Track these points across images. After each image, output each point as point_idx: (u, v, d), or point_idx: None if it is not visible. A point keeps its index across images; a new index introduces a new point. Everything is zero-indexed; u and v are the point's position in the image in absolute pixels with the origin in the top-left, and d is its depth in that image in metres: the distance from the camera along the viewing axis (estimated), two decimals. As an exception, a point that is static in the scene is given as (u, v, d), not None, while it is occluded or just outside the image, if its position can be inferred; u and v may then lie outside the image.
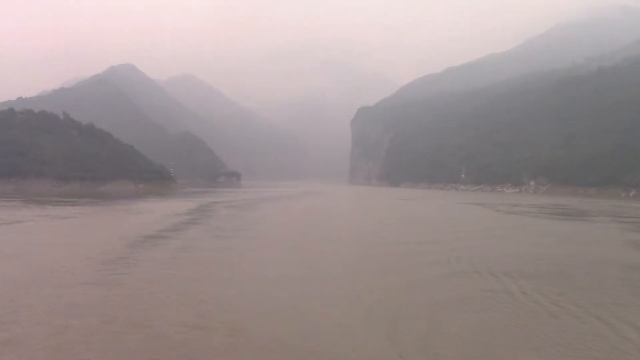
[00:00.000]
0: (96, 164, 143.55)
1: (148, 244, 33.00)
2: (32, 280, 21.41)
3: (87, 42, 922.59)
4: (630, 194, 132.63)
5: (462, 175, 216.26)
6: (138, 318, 16.14)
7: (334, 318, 16.81)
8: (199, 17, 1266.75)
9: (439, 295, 19.72)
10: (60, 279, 21.91)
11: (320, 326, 15.94)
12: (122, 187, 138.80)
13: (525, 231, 47.39)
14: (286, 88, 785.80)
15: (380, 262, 28.16)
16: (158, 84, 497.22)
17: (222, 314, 16.82)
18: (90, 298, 18.56)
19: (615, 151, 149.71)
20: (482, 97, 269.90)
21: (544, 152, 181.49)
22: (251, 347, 13.94)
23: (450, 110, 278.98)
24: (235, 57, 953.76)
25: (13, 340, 14.07)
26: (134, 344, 13.89)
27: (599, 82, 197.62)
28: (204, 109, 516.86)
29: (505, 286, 21.44)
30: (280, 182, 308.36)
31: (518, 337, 15.07)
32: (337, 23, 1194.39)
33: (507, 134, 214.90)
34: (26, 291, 19.42)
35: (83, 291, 19.66)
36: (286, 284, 21.92)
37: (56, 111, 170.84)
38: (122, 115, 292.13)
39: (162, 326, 15.39)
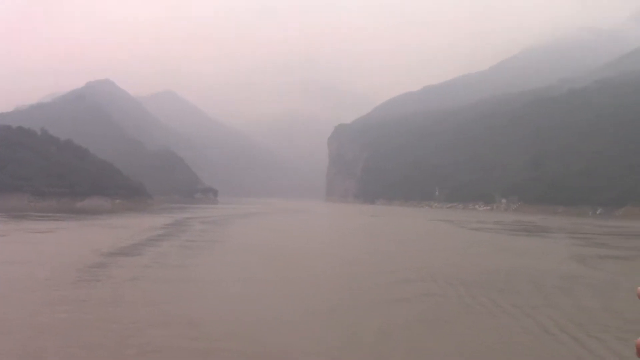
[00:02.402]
0: (74, 180, 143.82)
1: (122, 256, 35.08)
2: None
3: (66, 57, 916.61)
4: (597, 212, 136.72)
5: (436, 193, 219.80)
6: (111, 315, 18.42)
7: (281, 316, 19.27)
8: (179, 34, 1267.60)
9: (386, 296, 22.31)
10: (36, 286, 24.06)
11: (265, 320, 18.37)
12: (99, 203, 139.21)
13: (481, 246, 50.25)
14: (265, 105, 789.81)
15: (334, 272, 30.65)
16: (137, 100, 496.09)
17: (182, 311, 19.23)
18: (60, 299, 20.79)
19: (583, 171, 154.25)
20: (456, 117, 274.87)
21: (515, 172, 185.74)
22: (207, 338, 16.32)
23: (426, 129, 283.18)
24: (215, 74, 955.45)
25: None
26: (104, 334, 16.19)
27: (570, 104, 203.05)
28: (183, 126, 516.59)
29: (446, 291, 24.17)
30: (257, 199, 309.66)
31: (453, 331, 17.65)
32: (315, 41, 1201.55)
33: (480, 153, 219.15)
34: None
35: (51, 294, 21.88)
36: (241, 287, 24.38)
37: (33, 127, 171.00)
38: (100, 131, 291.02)
39: (126, 321, 17.70)
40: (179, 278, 27.29)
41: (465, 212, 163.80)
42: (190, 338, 16.37)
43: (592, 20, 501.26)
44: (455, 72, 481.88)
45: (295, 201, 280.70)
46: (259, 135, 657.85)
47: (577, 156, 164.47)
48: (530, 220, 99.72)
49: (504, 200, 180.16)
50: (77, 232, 58.24)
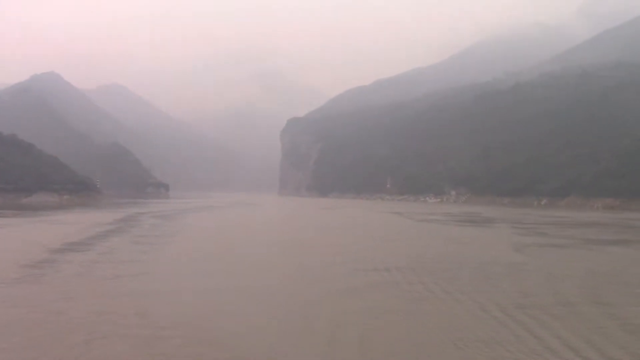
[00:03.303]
0: (18, 175, 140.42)
1: (70, 251, 34.99)
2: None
3: (8, 49, 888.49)
4: (542, 203, 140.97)
5: (388, 186, 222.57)
6: (61, 305, 18.69)
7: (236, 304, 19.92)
8: (130, 26, 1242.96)
9: (335, 287, 23.25)
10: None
11: (212, 310, 18.97)
12: (45, 198, 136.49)
13: (427, 237, 51.84)
14: (216, 99, 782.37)
15: (284, 262, 31.39)
16: (84, 93, 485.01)
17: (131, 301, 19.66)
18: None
19: (528, 162, 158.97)
20: (406, 110, 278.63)
21: (464, 163, 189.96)
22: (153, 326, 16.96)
23: (377, 122, 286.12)
24: (166, 67, 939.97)
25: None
26: (50, 326, 16.49)
27: (515, 96, 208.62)
28: (134, 120, 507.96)
29: (390, 279, 25.26)
30: (210, 193, 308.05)
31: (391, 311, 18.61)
32: (266, 34, 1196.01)
33: (430, 145, 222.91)
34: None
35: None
36: (189, 277, 24.96)
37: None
38: (46, 125, 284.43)
39: (74, 313, 18.04)
40: (128, 273, 27.51)
41: (416, 204, 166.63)
42: (137, 326, 16.90)
43: (541, 15, 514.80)
44: (406, 67, 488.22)
45: (249, 195, 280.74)
46: (212, 129, 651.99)
47: (523, 148, 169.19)
48: (477, 212, 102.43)
49: (453, 192, 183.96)
50: (23, 228, 57.29)
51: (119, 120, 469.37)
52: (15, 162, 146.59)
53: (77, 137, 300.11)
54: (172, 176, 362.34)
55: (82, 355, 14.52)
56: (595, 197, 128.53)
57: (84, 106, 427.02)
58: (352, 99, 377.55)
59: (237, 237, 51.51)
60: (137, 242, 41.84)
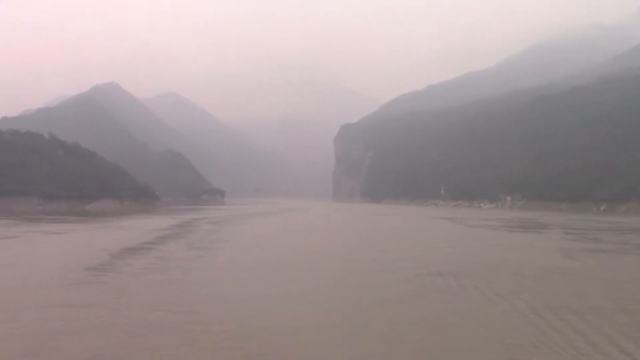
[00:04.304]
0: (82, 182, 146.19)
1: (130, 254, 37.03)
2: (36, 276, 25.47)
3: (71, 60, 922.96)
4: (601, 209, 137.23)
5: (441, 192, 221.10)
6: (121, 302, 20.31)
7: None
8: (183, 36, 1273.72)
9: (386, 293, 24.16)
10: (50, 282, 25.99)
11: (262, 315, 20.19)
12: (107, 205, 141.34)
13: (474, 241, 51.92)
14: (269, 105, 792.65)
15: (339, 267, 32.44)
16: (142, 102, 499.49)
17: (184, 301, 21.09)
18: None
19: (586, 167, 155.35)
20: (459, 115, 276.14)
21: (519, 168, 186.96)
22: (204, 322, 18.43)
23: (430, 127, 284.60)
24: (220, 75, 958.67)
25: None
26: (110, 318, 18.06)
27: (572, 100, 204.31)
28: (188, 127, 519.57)
29: (444, 283, 26.15)
30: (263, 200, 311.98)
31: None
32: (318, 39, 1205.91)
33: (484, 150, 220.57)
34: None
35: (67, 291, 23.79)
36: (240, 280, 26.37)
37: (41, 130, 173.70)
38: (107, 134, 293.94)
39: (131, 311, 19.59)
40: (181, 273, 29.20)
41: (470, 210, 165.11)
42: (189, 322, 18.34)
43: (598, 16, 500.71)
44: (460, 71, 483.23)
45: (302, 201, 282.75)
46: (265, 135, 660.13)
47: (579, 153, 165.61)
48: (532, 217, 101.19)
49: (508, 198, 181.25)
50: (87, 234, 60.06)
51: (175, 127, 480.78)
52: (79, 169, 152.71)
53: (136, 144, 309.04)
54: (226, 182, 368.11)
55: (137, 345, 16.02)
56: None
57: (142, 114, 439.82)
58: (405, 105, 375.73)
59: (289, 241, 52.82)
60: (192, 246, 43.63)
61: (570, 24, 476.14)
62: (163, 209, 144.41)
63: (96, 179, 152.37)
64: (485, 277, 28.03)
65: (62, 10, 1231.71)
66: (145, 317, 18.87)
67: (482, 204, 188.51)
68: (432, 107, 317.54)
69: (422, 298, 23.18)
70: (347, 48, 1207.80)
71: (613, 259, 38.28)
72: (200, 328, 17.66)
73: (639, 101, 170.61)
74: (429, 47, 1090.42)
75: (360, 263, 34.61)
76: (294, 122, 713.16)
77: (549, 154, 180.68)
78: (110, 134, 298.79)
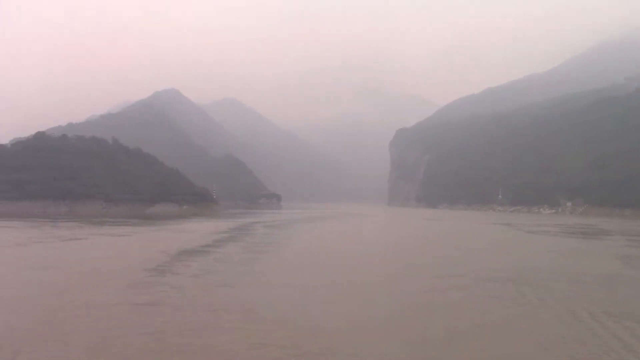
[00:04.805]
0: (143, 186, 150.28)
1: (188, 256, 38.26)
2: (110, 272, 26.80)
3: (132, 67, 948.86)
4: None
5: (499, 197, 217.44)
6: (180, 302, 21.23)
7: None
8: (239, 42, 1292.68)
9: (438, 297, 24.30)
10: (116, 280, 27.29)
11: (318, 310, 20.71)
12: (167, 208, 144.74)
13: (531, 247, 51.13)
14: (324, 110, 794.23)
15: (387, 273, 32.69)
16: (201, 107, 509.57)
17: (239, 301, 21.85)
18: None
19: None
20: (518, 118, 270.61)
21: (581, 173, 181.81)
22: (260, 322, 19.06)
23: (488, 131, 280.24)
24: (277, 80, 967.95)
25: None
26: (168, 317, 18.92)
27: (636, 102, 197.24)
28: (245, 132, 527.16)
29: (494, 286, 25.95)
30: (319, 204, 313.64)
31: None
32: (374, 45, 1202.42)
33: (543, 154, 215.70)
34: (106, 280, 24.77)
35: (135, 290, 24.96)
36: (295, 282, 27.01)
37: (104, 135, 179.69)
38: (167, 139, 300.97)
39: (189, 310, 20.47)
40: (238, 274, 30.06)
41: (529, 215, 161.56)
42: (245, 321, 19.05)
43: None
44: (519, 73, 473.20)
45: (357, 206, 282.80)
46: (320, 139, 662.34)
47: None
48: (593, 223, 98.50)
49: (569, 204, 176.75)
50: (147, 236, 62.03)
51: (232, 132, 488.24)
52: (140, 174, 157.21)
53: (195, 149, 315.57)
54: (282, 186, 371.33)
55: (193, 342, 16.77)
56: None
57: (200, 120, 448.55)
58: (461, 108, 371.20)
59: (345, 246, 53.16)
60: (249, 249, 44.58)
61: (634, 23, 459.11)
62: (221, 213, 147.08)
63: (156, 183, 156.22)
64: (543, 284, 27.78)
65: (123, 19, 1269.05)
66: (202, 316, 19.69)
67: (541, 209, 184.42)
68: (491, 111, 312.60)
69: (479, 303, 23.19)
70: (403, 51, 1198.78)
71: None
72: (255, 327, 18.35)
73: None
74: (486, 49, 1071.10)
75: (416, 268, 34.72)
76: (350, 126, 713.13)
77: (612, 158, 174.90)
78: (170, 139, 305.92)
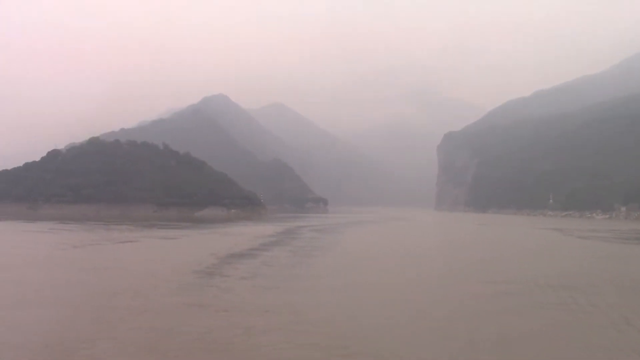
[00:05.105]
0: (192, 190, 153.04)
1: (236, 259, 38.89)
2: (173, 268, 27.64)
3: (182, 73, 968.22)
4: None
5: (550, 201, 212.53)
6: (228, 303, 21.67)
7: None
8: (288, 48, 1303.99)
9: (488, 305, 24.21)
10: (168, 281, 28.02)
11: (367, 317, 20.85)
12: (215, 212, 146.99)
13: (583, 253, 50.03)
14: (372, 115, 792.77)
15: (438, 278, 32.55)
16: (249, 112, 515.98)
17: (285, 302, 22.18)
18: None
19: None
20: (570, 121, 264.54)
21: (636, 177, 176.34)
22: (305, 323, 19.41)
23: (538, 134, 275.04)
24: (322, 84, 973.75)
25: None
26: (215, 318, 19.34)
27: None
28: (292, 136, 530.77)
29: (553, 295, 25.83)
30: (365, 208, 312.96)
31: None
32: (420, 49, 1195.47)
33: (597, 158, 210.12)
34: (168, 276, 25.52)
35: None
36: (341, 286, 27.19)
37: (155, 141, 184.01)
38: (215, 144, 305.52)
39: (237, 312, 20.83)
40: (285, 277, 30.43)
41: (581, 220, 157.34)
42: (292, 322, 19.36)
43: None
44: (571, 75, 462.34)
45: (404, 210, 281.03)
46: (366, 144, 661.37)
47: None
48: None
49: (623, 208, 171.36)
50: (196, 239, 63.19)
51: (280, 137, 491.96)
52: (189, 178, 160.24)
53: (242, 154, 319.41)
54: (328, 191, 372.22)
55: (241, 342, 17.14)
56: None
57: (249, 125, 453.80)
58: (510, 112, 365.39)
59: (392, 250, 52.95)
60: (296, 253, 44.96)
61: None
62: (268, 217, 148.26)
63: (205, 187, 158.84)
64: (596, 290, 27.20)
65: (174, 29, 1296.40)
66: (250, 318, 20.04)
67: (594, 214, 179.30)
68: (541, 114, 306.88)
69: (531, 309, 22.87)
70: (450, 54, 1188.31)
71: None
72: (301, 328, 18.60)
73: None
74: (539, 49, 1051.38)
75: (467, 275, 34.37)
76: (397, 130, 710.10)
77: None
78: (218, 144, 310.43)
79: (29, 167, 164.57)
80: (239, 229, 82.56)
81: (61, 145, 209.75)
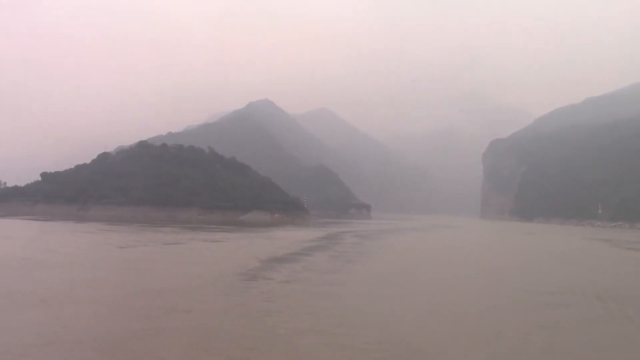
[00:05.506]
0: (236, 194, 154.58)
1: (279, 263, 39.56)
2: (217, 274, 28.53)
3: (228, 78, 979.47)
4: None
5: (599, 211, 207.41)
6: (269, 306, 22.27)
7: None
8: (333, 54, 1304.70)
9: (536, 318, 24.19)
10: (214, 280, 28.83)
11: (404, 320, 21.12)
12: (259, 216, 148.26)
13: (630, 265, 49.01)
14: (416, 121, 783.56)
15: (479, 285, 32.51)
16: (294, 118, 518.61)
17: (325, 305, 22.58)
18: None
19: None
20: (621, 129, 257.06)
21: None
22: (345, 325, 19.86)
23: (588, 143, 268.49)
24: (367, 90, 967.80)
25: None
26: (257, 319, 19.92)
27: None
28: (336, 142, 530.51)
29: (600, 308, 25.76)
30: (409, 215, 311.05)
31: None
32: (466, 53, 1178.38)
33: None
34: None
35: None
36: (382, 294, 27.39)
37: (201, 145, 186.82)
38: (260, 148, 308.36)
39: (278, 315, 21.34)
40: (325, 282, 30.88)
41: (632, 232, 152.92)
42: (331, 325, 19.80)
43: None
44: (623, 82, 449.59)
45: (448, 218, 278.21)
46: (411, 150, 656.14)
47: None
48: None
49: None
50: (240, 242, 64.23)
51: (324, 142, 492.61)
52: (234, 182, 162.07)
53: (287, 159, 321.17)
54: (372, 197, 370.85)
55: (282, 343, 17.77)
56: None
57: (293, 130, 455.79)
58: (559, 119, 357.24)
59: (435, 259, 52.89)
60: (337, 258, 45.38)
61: None
62: (311, 222, 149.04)
63: (249, 191, 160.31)
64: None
65: (222, 35, 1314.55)
66: (290, 320, 20.59)
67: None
68: (591, 122, 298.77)
69: (580, 321, 22.98)
70: (498, 60, 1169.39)
71: None
72: (340, 331, 19.05)
73: None
74: (589, 56, 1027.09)
75: (512, 286, 34.28)
76: (442, 137, 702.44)
77: None
78: (263, 149, 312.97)
79: (79, 168, 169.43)
80: (281, 233, 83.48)
81: (111, 148, 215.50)
